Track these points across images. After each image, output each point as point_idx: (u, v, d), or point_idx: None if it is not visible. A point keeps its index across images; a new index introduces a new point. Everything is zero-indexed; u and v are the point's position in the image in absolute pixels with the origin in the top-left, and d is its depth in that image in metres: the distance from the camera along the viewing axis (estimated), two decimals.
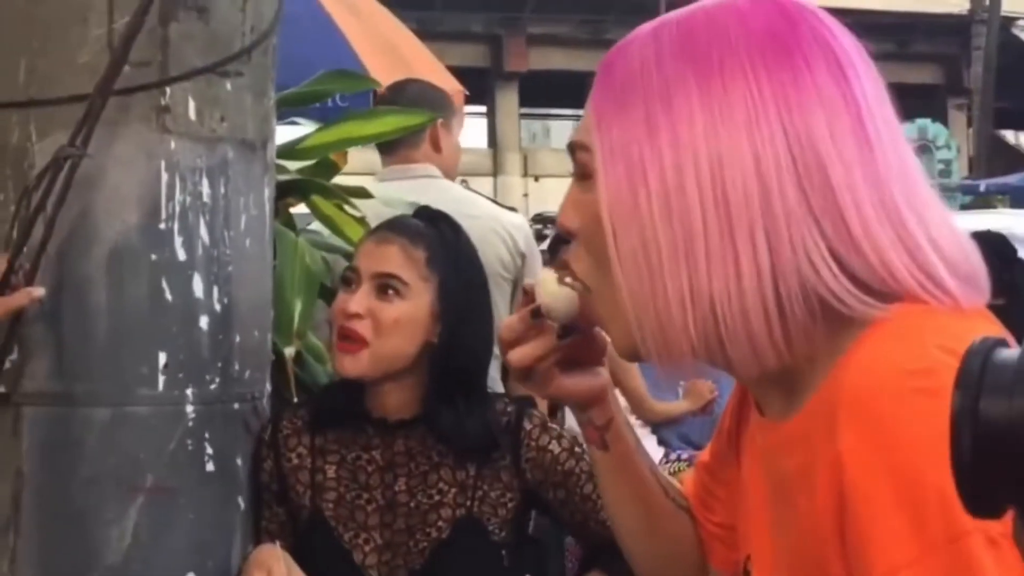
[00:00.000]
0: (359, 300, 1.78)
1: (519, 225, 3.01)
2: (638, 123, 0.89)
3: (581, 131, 0.95)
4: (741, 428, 1.06)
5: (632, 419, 3.04)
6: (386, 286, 1.79)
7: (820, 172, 0.86)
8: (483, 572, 1.81)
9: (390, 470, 1.82)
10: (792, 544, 0.89)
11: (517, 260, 2.90)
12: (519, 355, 1.06)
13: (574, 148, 0.96)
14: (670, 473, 2.96)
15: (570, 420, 2.76)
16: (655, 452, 3.04)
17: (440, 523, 1.79)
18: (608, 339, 1.06)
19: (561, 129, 26.35)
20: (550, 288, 1.02)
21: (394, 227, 1.87)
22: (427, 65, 5.32)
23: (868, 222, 0.86)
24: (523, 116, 22.61)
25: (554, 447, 1.82)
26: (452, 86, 4.69)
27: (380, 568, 1.78)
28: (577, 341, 1.07)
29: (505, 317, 2.85)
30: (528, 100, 21.75)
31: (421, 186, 2.69)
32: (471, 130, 18.55)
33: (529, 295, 1.06)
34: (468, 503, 1.80)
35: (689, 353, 0.88)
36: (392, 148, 2.88)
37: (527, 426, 1.82)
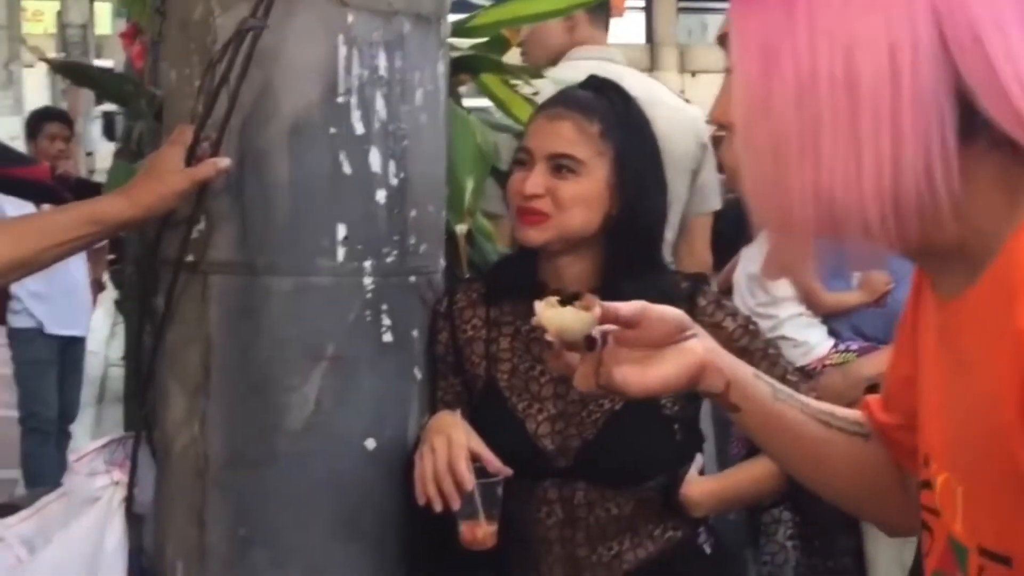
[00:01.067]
0: (535, 180, 1.78)
1: (698, 116, 2.97)
2: (776, 7, 0.86)
3: (727, 22, 0.93)
4: (919, 318, 1.03)
5: (802, 309, 2.97)
6: (561, 165, 1.78)
7: (975, 43, 0.81)
8: (655, 444, 1.81)
9: None
10: (970, 426, 0.87)
11: (699, 151, 2.88)
12: (580, 382, 1.12)
13: (723, 40, 0.94)
14: (839, 363, 2.90)
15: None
16: (825, 343, 2.98)
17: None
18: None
19: (719, 24, 25.64)
20: (546, 317, 1.12)
21: (565, 101, 1.85)
22: None
23: None
24: (681, 10, 22.09)
25: (728, 324, 1.80)
26: None
27: (553, 437, 1.80)
28: (634, 335, 1.10)
29: (685, 204, 2.84)
30: None
31: (599, 69, 2.65)
32: (626, 25, 18.24)
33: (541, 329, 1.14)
34: None
35: (807, 248, 0.89)
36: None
37: (701, 302, 1.81)
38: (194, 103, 1.76)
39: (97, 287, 5.81)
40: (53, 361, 5.15)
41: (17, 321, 5.07)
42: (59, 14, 17.74)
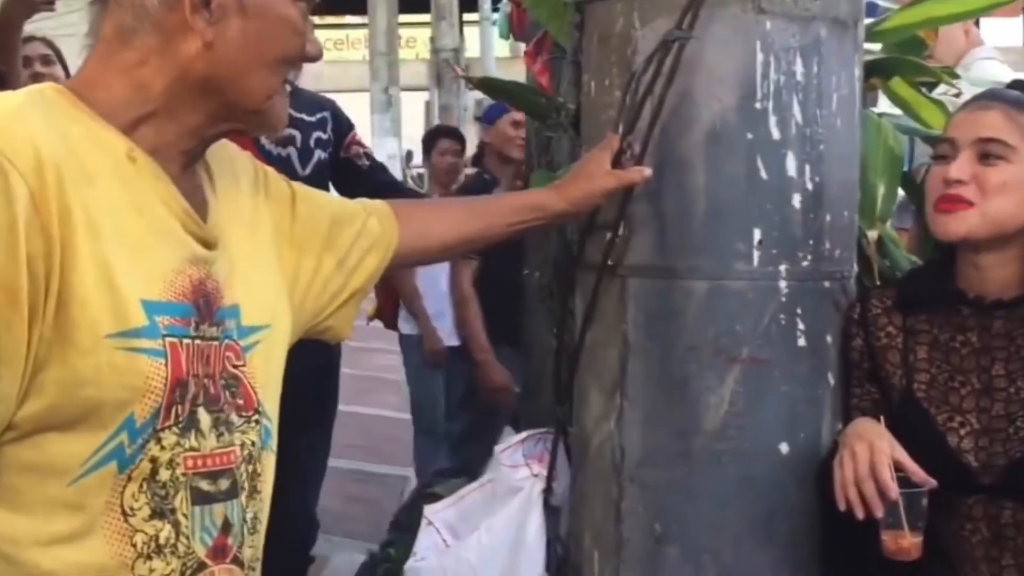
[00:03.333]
0: (960, 166, 1.73)
1: None
2: None
3: None
4: None
5: None
6: (989, 151, 1.72)
7: None
8: None
9: (987, 353, 1.76)
10: None
11: None
12: None
13: None
14: None
15: None
16: None
17: None
18: None
19: None
20: None
21: (992, 95, 1.81)
22: None
23: None
24: None
25: None
26: None
27: (977, 453, 1.73)
28: None
29: None
30: None
31: (1002, 67, 2.56)
32: (1003, 27, 17.24)
33: None
34: None
35: None
36: None
37: None
38: (615, 113, 1.84)
39: None
40: (439, 365, 5.43)
41: (407, 328, 5.39)
42: (432, 39, 18.83)
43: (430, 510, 2.10)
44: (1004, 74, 2.45)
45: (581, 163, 1.82)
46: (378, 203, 1.64)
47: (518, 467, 1.99)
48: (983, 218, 1.72)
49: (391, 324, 5.48)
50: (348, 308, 1.57)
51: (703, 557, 1.81)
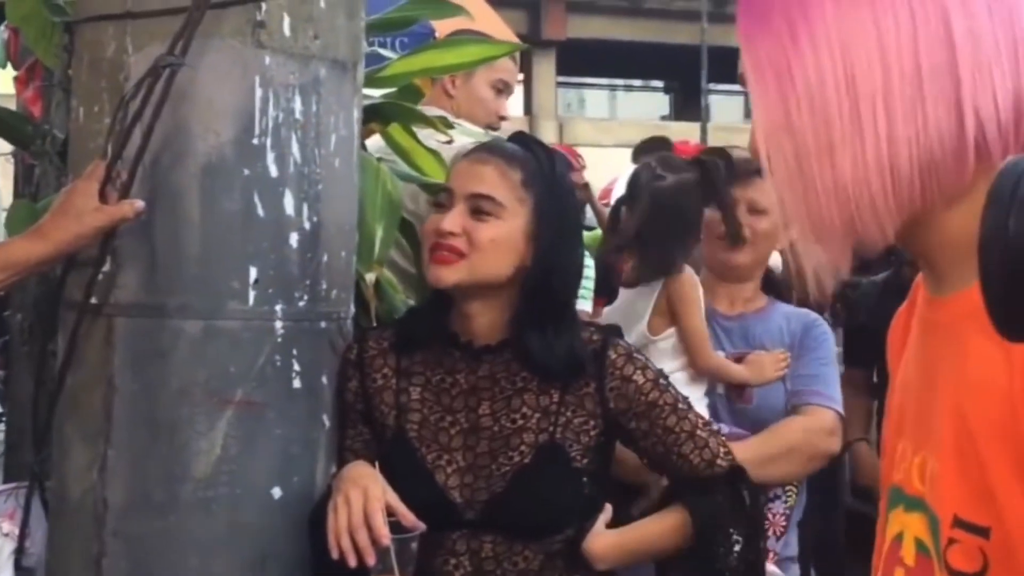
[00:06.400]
0: (454, 219, 1.77)
1: None
2: (781, 33, 0.92)
3: (741, 62, 0.98)
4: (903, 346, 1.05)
5: (679, 365, 2.43)
6: (480, 207, 1.78)
7: (945, 26, 0.88)
8: (564, 498, 1.80)
9: (474, 394, 1.82)
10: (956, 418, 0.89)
11: None
12: None
13: (743, 80, 0.99)
14: None
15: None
16: (699, 405, 2.62)
17: (522, 447, 1.79)
18: None
19: (597, 99, 26.18)
20: None
21: (490, 148, 1.87)
22: (489, 20, 5.34)
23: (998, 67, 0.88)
24: (560, 84, 22.50)
25: (638, 377, 1.81)
26: (511, 39, 4.69)
27: (462, 490, 1.78)
28: None
29: None
30: (565, 69, 21.63)
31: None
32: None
33: None
34: (551, 429, 1.80)
35: (845, 252, 0.93)
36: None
37: (612, 355, 1.82)
38: (104, 141, 1.73)
39: None
40: None
41: None
42: None
43: None
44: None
45: (66, 197, 1.68)
46: None
47: None
48: (470, 271, 1.76)
49: None
50: None
51: None
